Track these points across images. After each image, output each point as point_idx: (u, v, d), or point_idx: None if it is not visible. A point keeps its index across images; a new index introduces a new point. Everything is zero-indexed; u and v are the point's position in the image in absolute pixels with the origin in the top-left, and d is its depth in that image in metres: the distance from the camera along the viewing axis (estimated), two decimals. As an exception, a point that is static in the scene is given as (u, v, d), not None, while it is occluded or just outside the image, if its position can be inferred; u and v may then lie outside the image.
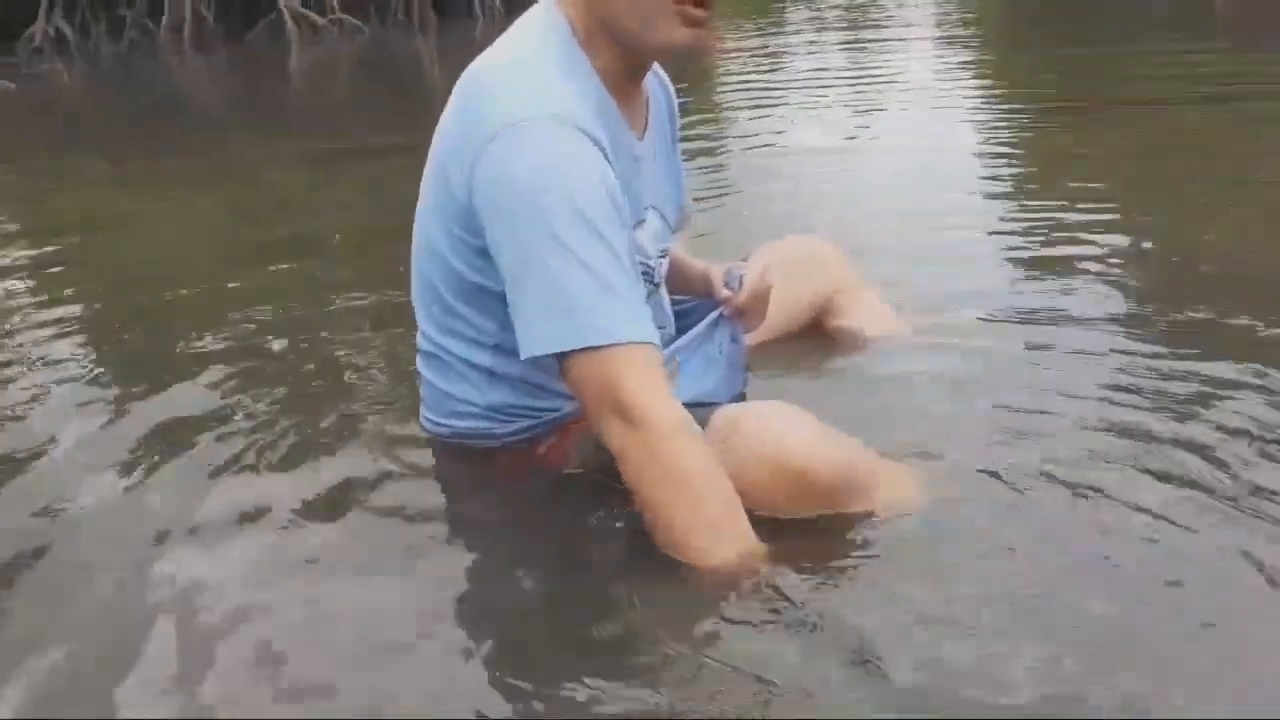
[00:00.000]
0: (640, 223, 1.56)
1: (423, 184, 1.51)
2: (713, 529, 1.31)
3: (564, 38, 1.42)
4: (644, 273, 1.56)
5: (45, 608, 1.32)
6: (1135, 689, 1.09)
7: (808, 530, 1.37)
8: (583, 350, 1.32)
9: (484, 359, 1.51)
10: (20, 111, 7.88)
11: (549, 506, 1.50)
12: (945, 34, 9.03)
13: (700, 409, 1.46)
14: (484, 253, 1.41)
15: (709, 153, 4.30)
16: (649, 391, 1.32)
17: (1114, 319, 2.10)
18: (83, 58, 12.32)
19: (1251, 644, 1.16)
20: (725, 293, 1.74)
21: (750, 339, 1.84)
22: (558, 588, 1.35)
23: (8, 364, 2.26)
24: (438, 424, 1.62)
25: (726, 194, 3.55)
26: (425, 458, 1.64)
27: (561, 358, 1.35)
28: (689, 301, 1.82)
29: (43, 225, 3.91)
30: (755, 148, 4.47)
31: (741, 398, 1.76)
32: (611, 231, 1.35)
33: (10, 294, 2.86)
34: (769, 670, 1.14)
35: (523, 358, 1.37)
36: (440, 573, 1.38)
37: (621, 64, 1.45)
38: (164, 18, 13.57)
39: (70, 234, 3.72)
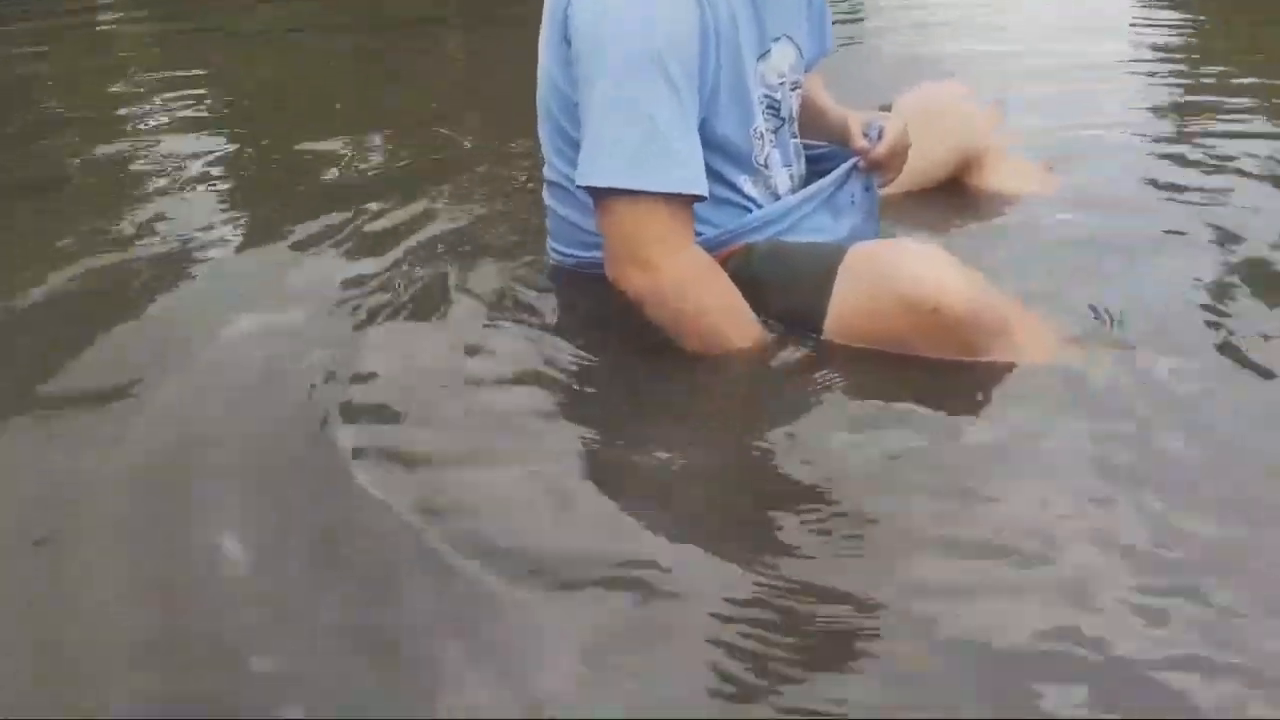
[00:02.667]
0: (765, 54, 1.52)
1: (544, 10, 1.49)
2: (734, 336, 1.42)
3: None
4: (769, 106, 1.53)
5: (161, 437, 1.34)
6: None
7: (935, 370, 1.36)
8: (615, 191, 1.36)
9: None
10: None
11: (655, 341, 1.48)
12: None
13: (832, 244, 1.48)
14: None
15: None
16: (667, 246, 1.37)
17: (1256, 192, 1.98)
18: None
19: None
20: (863, 144, 1.68)
21: (885, 190, 1.79)
22: (669, 406, 1.39)
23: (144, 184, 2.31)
24: (563, 254, 1.63)
25: (860, 34, 3.39)
26: (552, 287, 1.65)
27: (595, 194, 1.39)
28: (824, 147, 1.77)
29: (175, 58, 3.95)
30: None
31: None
32: (680, 71, 1.35)
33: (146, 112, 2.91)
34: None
35: (577, 184, 1.40)
36: (554, 404, 1.39)
37: None
38: None
39: (204, 62, 3.76)
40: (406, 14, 4.81)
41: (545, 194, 1.64)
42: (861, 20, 3.39)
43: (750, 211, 1.55)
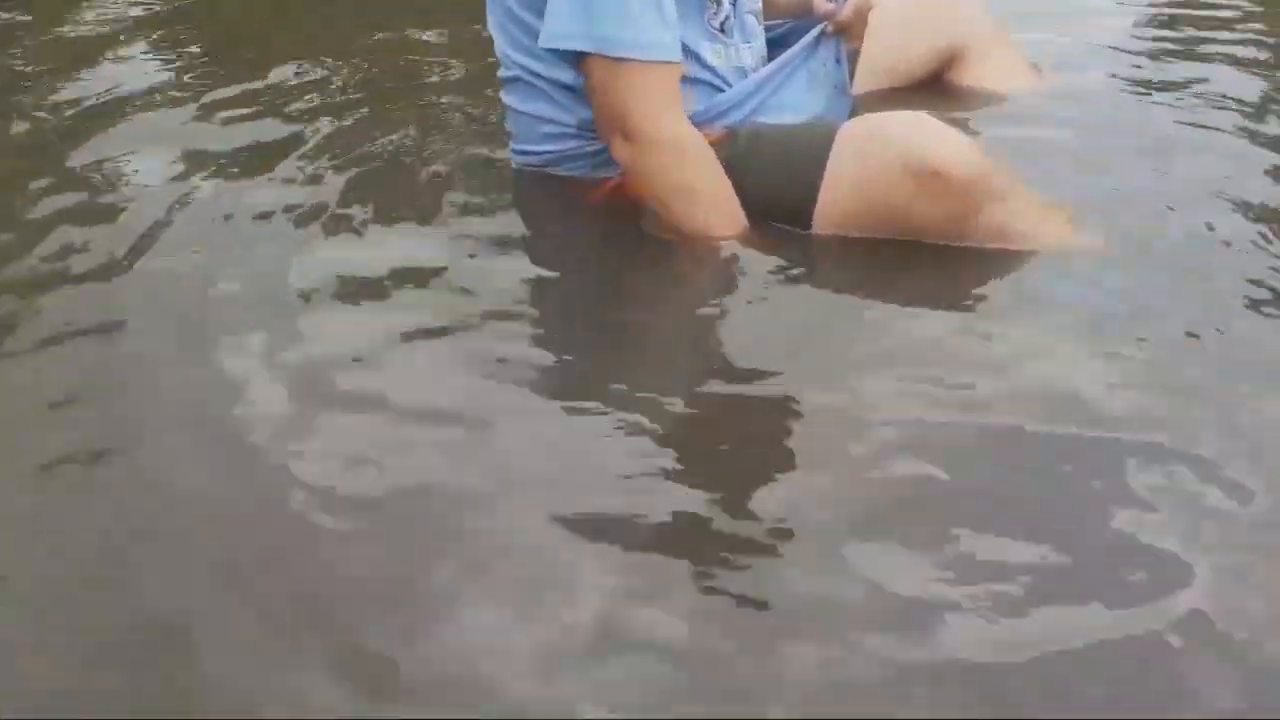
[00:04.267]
0: None
1: None
2: (717, 221, 1.37)
3: None
4: None
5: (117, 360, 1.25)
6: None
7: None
8: (599, 56, 1.34)
9: (567, 75, 1.43)
10: None
11: (634, 233, 1.43)
12: None
13: (820, 123, 1.43)
14: None
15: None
16: (657, 112, 1.35)
17: (1250, 100, 1.86)
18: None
19: None
20: (828, 6, 1.62)
21: (865, 86, 1.71)
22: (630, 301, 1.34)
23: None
24: (527, 152, 1.55)
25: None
26: (514, 191, 1.57)
27: (579, 57, 1.37)
28: (784, 25, 1.70)
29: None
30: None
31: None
32: None
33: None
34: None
35: (540, 44, 1.38)
36: (520, 324, 1.31)
37: None
38: None
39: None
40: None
41: (503, 95, 1.55)
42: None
43: (718, 89, 1.48)
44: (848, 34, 1.62)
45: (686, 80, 1.44)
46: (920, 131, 1.31)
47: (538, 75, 1.46)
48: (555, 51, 1.39)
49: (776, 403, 1.12)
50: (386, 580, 0.90)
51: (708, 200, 1.38)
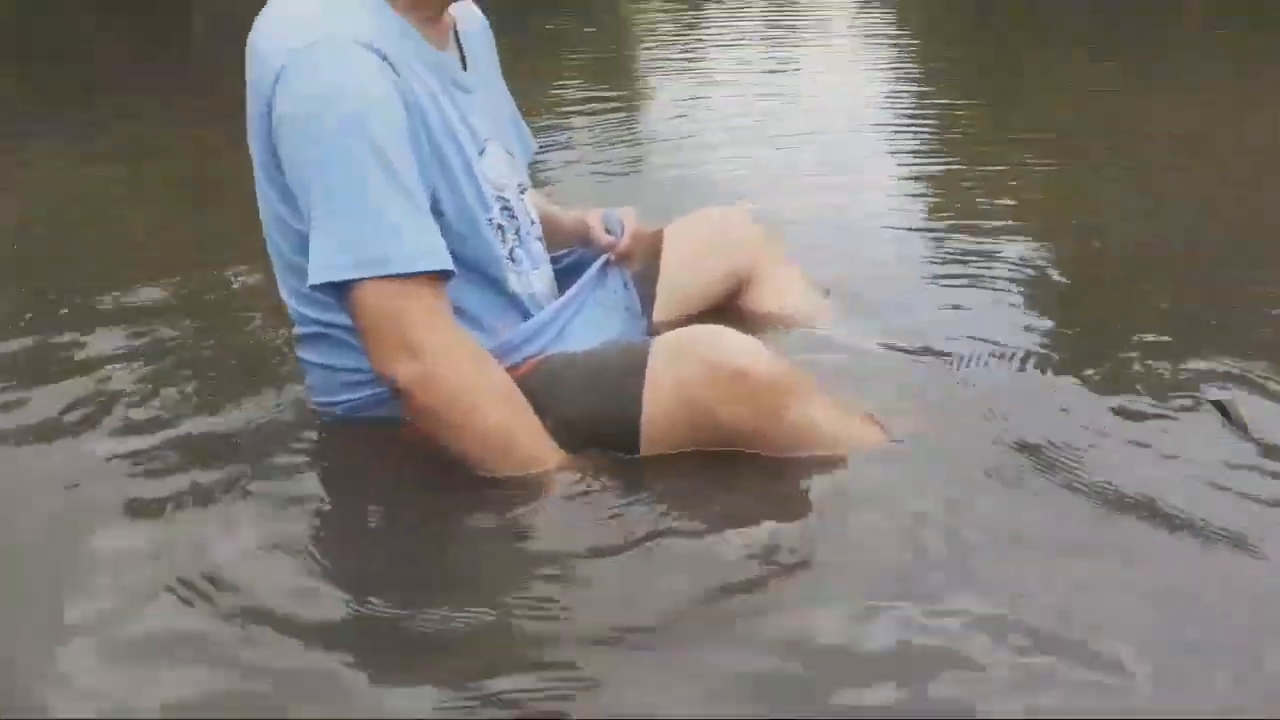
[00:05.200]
0: (481, 151, 1.50)
1: (251, 152, 1.43)
2: (541, 440, 1.37)
3: None
4: (503, 208, 1.52)
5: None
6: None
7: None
8: (371, 280, 1.29)
9: None
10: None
11: (443, 472, 1.42)
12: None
13: (631, 344, 1.49)
14: None
15: (620, 128, 4.15)
16: (442, 323, 1.32)
17: (1031, 305, 2.06)
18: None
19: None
20: (609, 239, 1.71)
21: (664, 315, 1.78)
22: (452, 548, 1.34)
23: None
24: (329, 403, 1.53)
25: (631, 171, 3.50)
26: (318, 442, 1.55)
27: (343, 288, 1.31)
28: (573, 254, 1.78)
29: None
30: (666, 119, 4.29)
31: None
32: (398, 153, 1.31)
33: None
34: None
35: (309, 284, 1.33)
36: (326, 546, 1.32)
37: None
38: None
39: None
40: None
41: (299, 350, 1.55)
42: (640, 145, 3.54)
43: (517, 309, 1.53)
44: (629, 260, 1.71)
45: (497, 306, 1.50)
46: (721, 340, 1.38)
47: (333, 325, 1.45)
48: (321, 291, 1.34)
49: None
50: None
51: (503, 405, 1.35)
